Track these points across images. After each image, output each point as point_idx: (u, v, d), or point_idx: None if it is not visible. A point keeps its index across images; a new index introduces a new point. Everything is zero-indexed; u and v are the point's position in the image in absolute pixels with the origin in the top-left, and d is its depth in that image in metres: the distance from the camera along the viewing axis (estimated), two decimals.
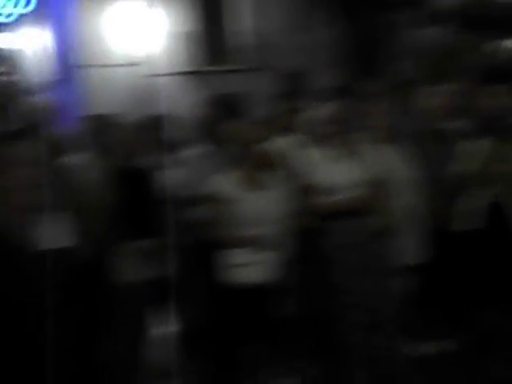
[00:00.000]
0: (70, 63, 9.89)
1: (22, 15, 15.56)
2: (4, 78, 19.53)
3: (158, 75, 10.34)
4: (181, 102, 5.71)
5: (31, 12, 14.49)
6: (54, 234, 1.88)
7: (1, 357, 1.76)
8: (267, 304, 3.61)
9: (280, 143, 4.31)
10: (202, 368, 3.83)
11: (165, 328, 4.18)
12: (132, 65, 9.58)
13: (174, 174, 4.09)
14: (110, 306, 3.77)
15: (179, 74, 12.58)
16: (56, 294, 1.82)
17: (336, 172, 3.89)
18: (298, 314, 3.83)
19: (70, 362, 1.90)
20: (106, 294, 3.69)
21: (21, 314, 1.67)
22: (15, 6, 14.56)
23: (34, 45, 15.64)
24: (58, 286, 1.83)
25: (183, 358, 3.89)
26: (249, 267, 3.49)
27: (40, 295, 1.73)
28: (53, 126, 4.45)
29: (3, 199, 1.70)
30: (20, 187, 1.75)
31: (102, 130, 4.22)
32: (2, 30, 18.24)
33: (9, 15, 15.14)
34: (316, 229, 3.82)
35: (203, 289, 4.02)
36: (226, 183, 3.62)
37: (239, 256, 3.48)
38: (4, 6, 14.25)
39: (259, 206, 3.60)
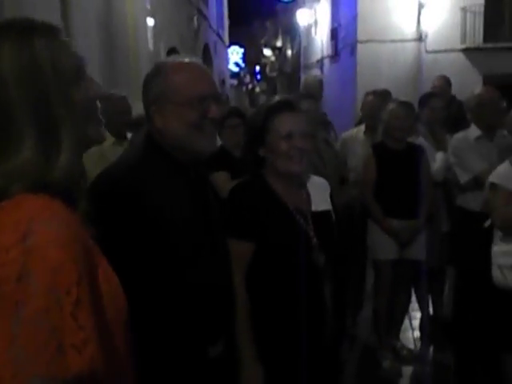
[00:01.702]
0: (349, 38, 10.14)
1: None
2: (289, 52, 20.96)
3: (436, 52, 9.99)
4: (456, 79, 5.40)
5: None
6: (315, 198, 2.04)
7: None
8: None
9: None
10: (450, 361, 3.71)
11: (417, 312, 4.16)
12: (411, 40, 9.39)
13: (440, 157, 3.94)
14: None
15: (458, 50, 11.96)
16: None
17: None
18: None
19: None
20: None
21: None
22: None
23: (314, 20, 16.47)
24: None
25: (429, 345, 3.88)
26: None
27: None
28: (320, 100, 4.64)
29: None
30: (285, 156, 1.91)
31: (376, 106, 4.24)
32: (287, 8, 19.54)
33: None
34: None
35: (462, 281, 3.84)
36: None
37: None
38: None
39: None
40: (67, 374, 0.80)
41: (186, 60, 1.62)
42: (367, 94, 4.41)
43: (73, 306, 0.81)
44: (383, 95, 4.37)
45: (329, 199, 2.07)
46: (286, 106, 1.90)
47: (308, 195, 1.99)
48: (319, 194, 2.03)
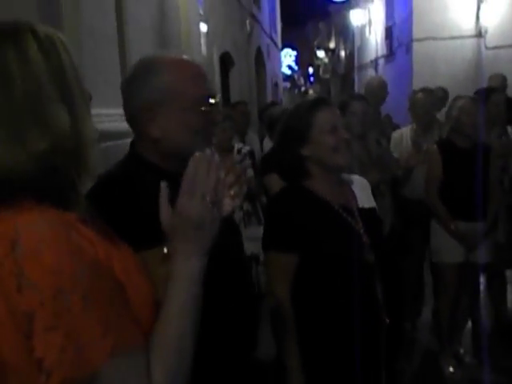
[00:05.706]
0: (404, 37, 9.93)
1: None
2: (343, 53, 20.80)
3: (497, 48, 9.65)
4: None
5: None
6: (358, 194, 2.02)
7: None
8: None
9: None
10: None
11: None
12: (470, 37, 9.09)
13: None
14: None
15: None
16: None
17: None
18: None
19: None
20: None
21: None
22: None
23: (368, 20, 16.26)
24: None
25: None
26: None
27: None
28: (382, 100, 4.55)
29: None
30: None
31: (427, 104, 4.13)
32: (340, 9, 19.39)
33: None
34: None
35: None
36: None
37: None
38: None
39: None
40: (91, 370, 0.78)
41: (177, 55, 1.39)
42: (415, 92, 4.28)
43: (82, 302, 0.78)
44: (433, 93, 4.25)
45: (371, 197, 2.04)
46: (323, 103, 1.93)
47: (352, 192, 1.98)
48: (362, 192, 2.02)
